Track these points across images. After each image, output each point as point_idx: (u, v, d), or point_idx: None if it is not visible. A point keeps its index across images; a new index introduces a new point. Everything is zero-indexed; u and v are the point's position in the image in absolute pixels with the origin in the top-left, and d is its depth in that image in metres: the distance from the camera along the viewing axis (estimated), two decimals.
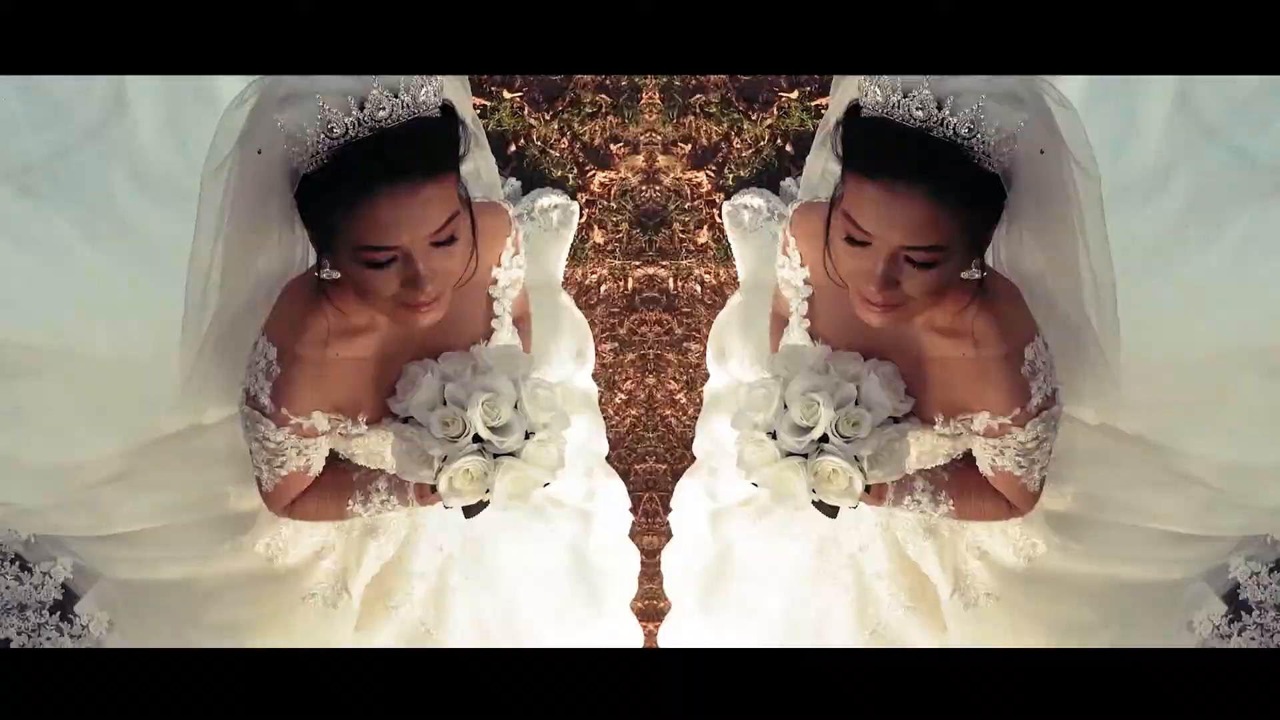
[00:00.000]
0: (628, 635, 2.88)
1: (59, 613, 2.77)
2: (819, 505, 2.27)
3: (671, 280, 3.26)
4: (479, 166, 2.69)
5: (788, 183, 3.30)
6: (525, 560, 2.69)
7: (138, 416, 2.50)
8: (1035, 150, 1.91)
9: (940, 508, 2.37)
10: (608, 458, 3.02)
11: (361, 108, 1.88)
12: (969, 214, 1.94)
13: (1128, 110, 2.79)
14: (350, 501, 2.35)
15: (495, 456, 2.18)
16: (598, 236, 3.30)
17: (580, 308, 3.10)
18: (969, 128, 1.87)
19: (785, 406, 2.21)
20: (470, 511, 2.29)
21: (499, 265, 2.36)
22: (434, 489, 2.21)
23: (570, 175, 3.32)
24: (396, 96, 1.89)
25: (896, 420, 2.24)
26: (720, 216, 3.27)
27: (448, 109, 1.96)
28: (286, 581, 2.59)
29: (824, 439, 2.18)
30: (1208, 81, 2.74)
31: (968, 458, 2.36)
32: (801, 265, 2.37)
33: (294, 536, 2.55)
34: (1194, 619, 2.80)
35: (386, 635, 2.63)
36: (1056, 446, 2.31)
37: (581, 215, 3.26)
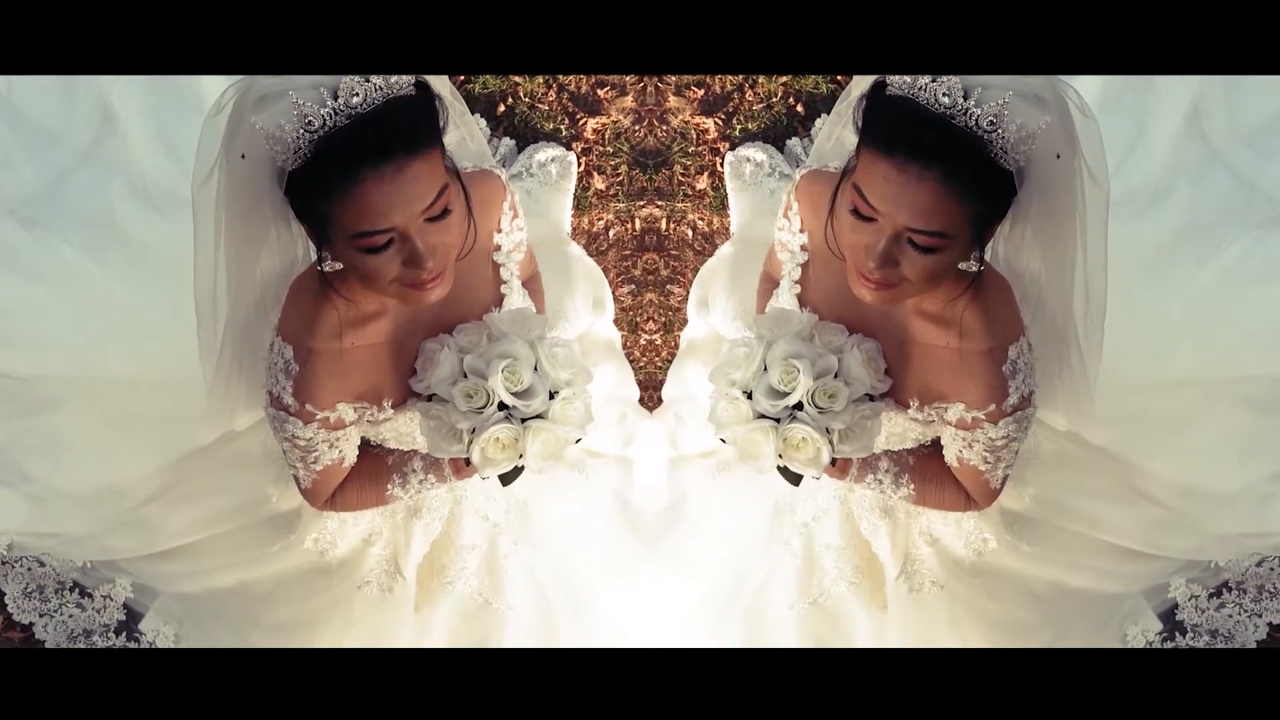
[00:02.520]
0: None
1: (124, 633, 2.79)
2: (782, 471, 2.28)
3: (664, 221, 3.24)
4: (464, 136, 2.66)
5: (793, 142, 3.27)
6: (572, 516, 2.71)
7: (168, 431, 2.52)
8: (1051, 154, 1.91)
9: (901, 490, 2.39)
10: (640, 400, 3.01)
11: (335, 97, 1.86)
12: (977, 206, 1.93)
13: (1137, 121, 2.78)
14: (389, 486, 2.37)
15: (523, 421, 2.19)
16: (599, 183, 3.27)
17: (592, 255, 3.08)
18: (991, 121, 1.87)
19: (765, 368, 2.21)
20: (507, 479, 2.30)
21: (499, 230, 2.35)
22: (468, 461, 2.22)
23: (562, 126, 3.29)
24: (369, 81, 1.87)
25: (872, 398, 2.25)
26: (722, 165, 3.25)
27: (422, 85, 1.94)
28: (340, 573, 2.62)
29: (799, 406, 2.19)
30: (1220, 104, 2.73)
31: (935, 445, 2.36)
32: (801, 231, 2.37)
33: (340, 528, 2.58)
34: (1129, 632, 2.80)
35: (445, 611, 2.66)
36: (1023, 447, 2.32)
37: (579, 164, 3.24)
